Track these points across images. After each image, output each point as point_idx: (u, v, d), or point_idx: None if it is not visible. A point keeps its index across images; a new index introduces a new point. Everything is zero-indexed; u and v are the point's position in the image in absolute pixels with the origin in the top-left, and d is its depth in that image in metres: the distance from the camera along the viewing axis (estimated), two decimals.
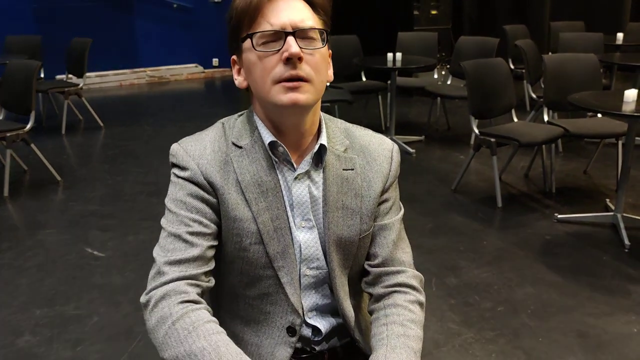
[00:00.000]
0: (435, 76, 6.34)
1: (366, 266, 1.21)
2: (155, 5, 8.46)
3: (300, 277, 1.15)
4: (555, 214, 3.66)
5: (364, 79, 5.83)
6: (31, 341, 2.47)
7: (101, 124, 5.98)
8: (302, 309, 1.16)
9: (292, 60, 1.01)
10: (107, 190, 4.22)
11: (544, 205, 3.89)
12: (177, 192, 1.09)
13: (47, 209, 3.89)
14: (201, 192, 1.08)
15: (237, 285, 1.14)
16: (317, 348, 1.21)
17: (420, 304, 1.17)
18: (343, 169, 1.15)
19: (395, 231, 1.20)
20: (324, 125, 1.15)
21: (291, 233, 1.12)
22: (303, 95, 1.03)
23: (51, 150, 5.16)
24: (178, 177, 1.11)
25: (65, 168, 4.69)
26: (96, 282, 2.95)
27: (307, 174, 1.13)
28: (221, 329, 0.99)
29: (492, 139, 3.84)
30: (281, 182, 1.11)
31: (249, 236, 1.08)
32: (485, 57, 4.67)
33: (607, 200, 3.84)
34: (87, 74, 6.01)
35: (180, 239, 1.05)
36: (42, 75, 6.19)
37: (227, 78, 9.00)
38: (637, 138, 4.72)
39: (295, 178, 1.12)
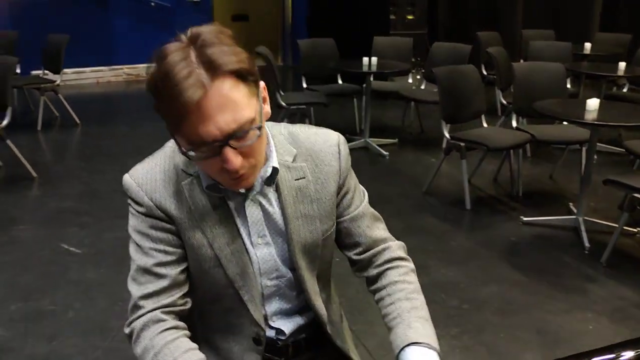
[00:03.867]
0: (410, 80, 6.48)
1: (353, 256, 1.27)
2: (133, 2, 8.45)
3: (262, 289, 1.21)
4: (521, 217, 3.80)
5: (340, 82, 5.93)
6: (5, 336, 2.50)
7: (78, 121, 5.97)
8: (265, 320, 1.23)
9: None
10: (83, 188, 4.24)
11: (510, 208, 4.03)
12: (139, 224, 1.13)
13: (22, 205, 3.91)
14: (161, 224, 1.12)
15: (203, 301, 1.20)
16: (280, 344, 1.28)
17: (412, 271, 1.26)
18: (295, 179, 1.17)
19: (366, 217, 1.26)
20: (272, 145, 1.14)
21: (248, 253, 1.16)
22: (249, 180, 1.06)
23: (26, 146, 5.15)
24: (136, 211, 1.13)
25: (40, 165, 4.69)
26: (72, 277, 2.99)
27: (259, 192, 1.15)
28: (201, 356, 1.08)
29: (462, 144, 3.96)
30: (232, 205, 1.14)
31: (207, 260, 1.13)
32: (458, 63, 4.81)
33: (571, 204, 3.99)
34: (64, 70, 5.99)
35: (149, 272, 1.11)
36: (17, 71, 6.15)
37: None
38: (600, 144, 4.90)
39: (247, 199, 1.14)
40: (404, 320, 1.15)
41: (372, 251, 1.26)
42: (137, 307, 1.11)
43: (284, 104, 4.96)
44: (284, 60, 10.23)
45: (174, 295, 1.12)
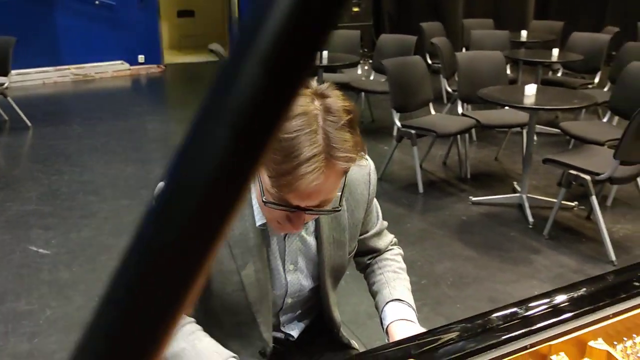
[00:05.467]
0: (359, 72, 6.68)
1: (366, 261, 1.43)
2: (76, 1, 8.33)
3: (283, 305, 1.32)
4: (470, 197, 4.06)
5: None
6: None
7: (29, 124, 5.90)
8: (278, 326, 1.36)
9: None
10: (43, 190, 4.25)
11: (460, 190, 4.30)
12: None
13: None
14: None
15: (218, 312, 1.27)
16: (287, 344, 1.42)
17: (401, 255, 1.46)
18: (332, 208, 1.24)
19: (381, 234, 1.42)
20: None
21: (276, 278, 1.25)
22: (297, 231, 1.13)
23: None
24: None
25: None
26: (44, 278, 3.06)
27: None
28: (197, 327, 1.19)
29: (413, 131, 4.20)
30: (272, 236, 1.22)
31: (231, 284, 1.20)
32: (404, 54, 5.04)
33: (515, 183, 4.29)
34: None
35: None
36: None
37: (154, 75, 9.00)
38: (538, 127, 5.23)
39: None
40: (390, 284, 1.33)
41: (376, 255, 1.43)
42: None
43: None
44: None
45: None
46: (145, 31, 9.00)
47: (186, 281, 0.23)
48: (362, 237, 1.36)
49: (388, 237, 1.46)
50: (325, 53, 5.40)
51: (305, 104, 0.96)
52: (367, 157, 1.29)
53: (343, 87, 5.75)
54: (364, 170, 1.28)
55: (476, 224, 3.72)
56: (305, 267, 1.29)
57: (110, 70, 8.69)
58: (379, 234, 1.42)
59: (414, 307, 1.31)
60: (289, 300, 1.32)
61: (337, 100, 0.99)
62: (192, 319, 1.22)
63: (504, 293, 2.90)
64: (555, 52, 5.40)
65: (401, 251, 1.47)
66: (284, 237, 1.23)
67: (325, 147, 0.95)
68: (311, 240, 1.27)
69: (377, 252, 1.43)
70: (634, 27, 6.68)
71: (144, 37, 9.01)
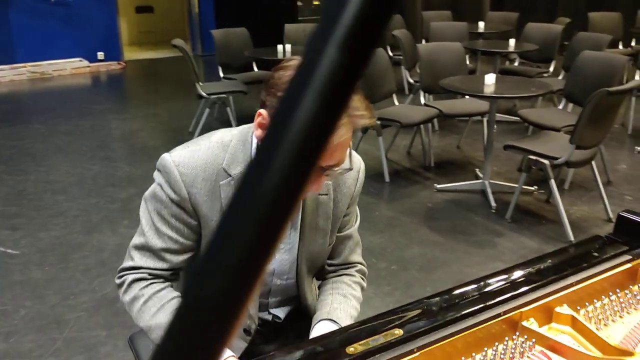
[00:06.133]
0: None
1: (326, 266, 1.45)
2: None
3: (270, 286, 1.37)
4: (435, 185, 4.18)
5: (255, 69, 6.09)
6: None
7: None
8: (266, 307, 1.41)
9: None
10: (8, 190, 4.19)
11: (425, 178, 4.42)
12: (162, 208, 1.22)
13: None
14: (184, 216, 1.21)
15: None
16: (273, 325, 1.47)
17: (361, 286, 1.45)
18: (319, 194, 1.30)
19: (352, 239, 1.44)
20: None
21: None
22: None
23: None
24: (166, 194, 1.20)
25: None
26: (16, 278, 3.03)
27: None
28: None
29: (377, 122, 4.29)
30: None
31: None
32: None
33: (477, 169, 4.43)
34: None
35: (155, 253, 1.23)
36: None
37: (114, 72, 8.88)
38: (498, 115, 5.40)
39: None
40: (332, 305, 1.35)
41: (341, 267, 1.44)
42: (133, 267, 1.26)
43: (204, 94, 5.08)
44: (194, 50, 10.21)
45: (168, 272, 1.28)
46: (103, 28, 8.87)
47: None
48: (336, 234, 1.40)
49: (357, 256, 1.47)
50: (289, 47, 5.44)
51: None
52: (358, 156, 1.38)
53: None
54: (355, 166, 1.34)
55: (442, 210, 3.85)
56: (293, 248, 1.33)
57: (69, 68, 8.54)
58: (349, 238, 1.43)
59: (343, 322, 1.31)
60: (277, 282, 1.36)
61: None
62: (178, 294, 1.27)
63: (471, 275, 3.02)
64: (512, 42, 5.58)
65: (363, 283, 1.46)
66: None
67: None
68: (297, 221, 1.31)
69: (338, 259, 1.44)
70: (584, 17, 6.93)
71: (103, 34, 8.88)
